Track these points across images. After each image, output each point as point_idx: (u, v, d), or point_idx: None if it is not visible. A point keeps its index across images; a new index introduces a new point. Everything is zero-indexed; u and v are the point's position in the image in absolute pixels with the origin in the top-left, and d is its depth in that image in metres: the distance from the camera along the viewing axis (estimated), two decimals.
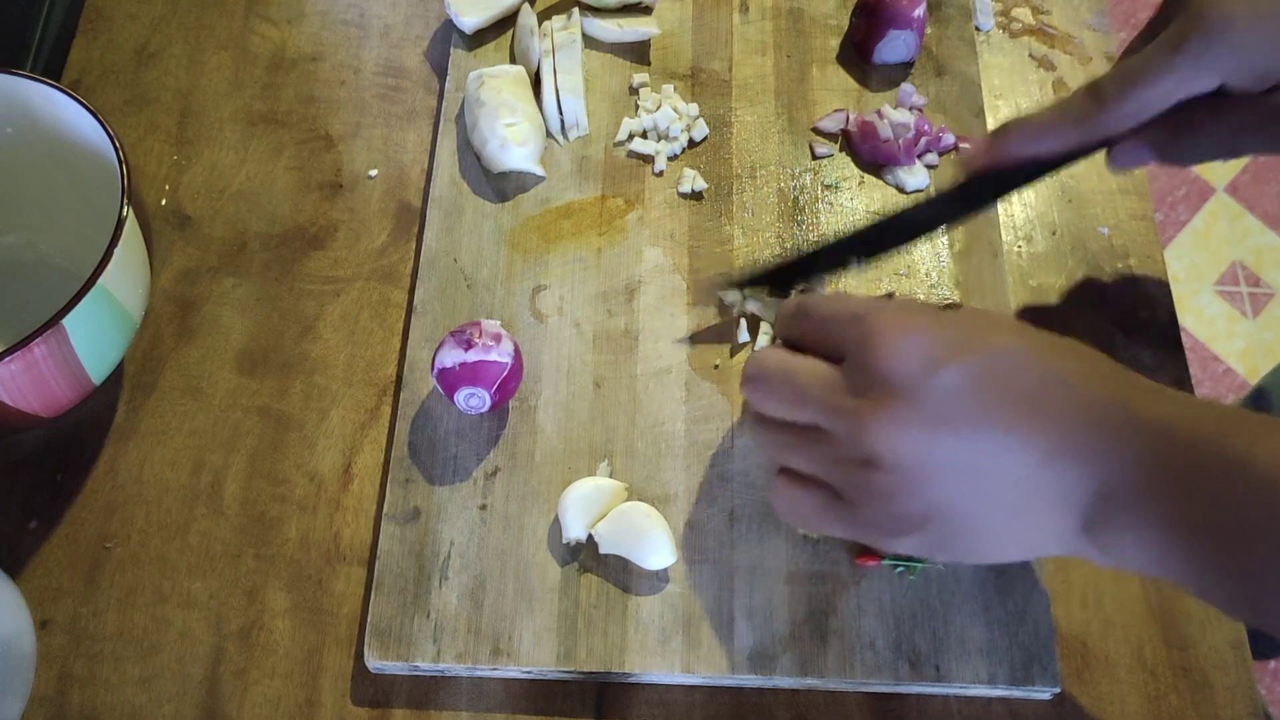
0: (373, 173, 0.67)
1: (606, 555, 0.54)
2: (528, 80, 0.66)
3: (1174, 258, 1.64)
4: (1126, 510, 0.41)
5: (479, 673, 0.53)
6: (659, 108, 0.66)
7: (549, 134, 0.66)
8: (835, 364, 0.45)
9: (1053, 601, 0.53)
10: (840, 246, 0.57)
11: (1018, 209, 0.65)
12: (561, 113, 0.66)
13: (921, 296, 0.60)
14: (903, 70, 0.68)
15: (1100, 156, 0.67)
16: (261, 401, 0.60)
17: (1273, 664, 1.38)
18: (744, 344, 0.59)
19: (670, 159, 0.65)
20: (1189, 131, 0.52)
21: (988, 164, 0.55)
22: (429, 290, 0.61)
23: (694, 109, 0.66)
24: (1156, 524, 0.40)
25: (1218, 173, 1.71)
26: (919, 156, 0.64)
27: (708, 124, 0.66)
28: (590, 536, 0.54)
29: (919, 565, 0.53)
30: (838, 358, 0.45)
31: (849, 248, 0.57)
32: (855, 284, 0.61)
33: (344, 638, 0.54)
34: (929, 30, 0.69)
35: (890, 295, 0.60)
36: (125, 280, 0.52)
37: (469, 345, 0.54)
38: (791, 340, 0.49)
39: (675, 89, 0.67)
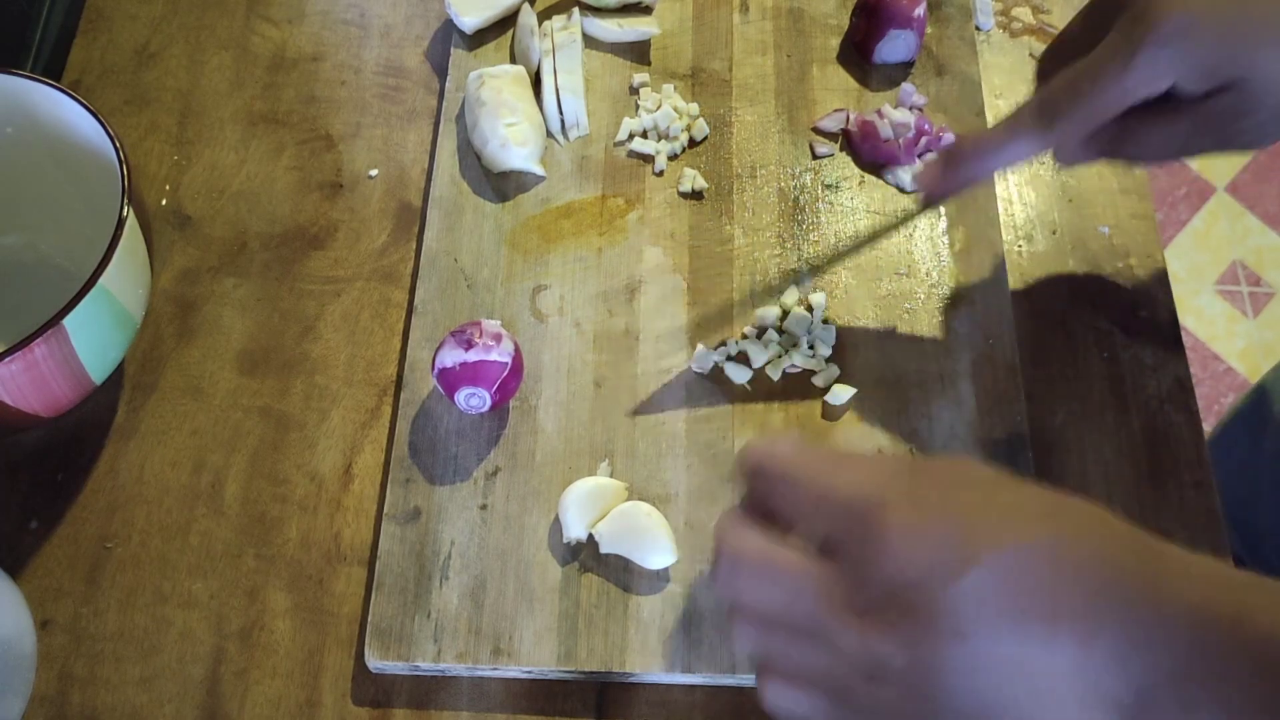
0: (373, 173, 0.67)
1: (607, 555, 0.54)
2: (528, 80, 0.66)
3: (1174, 257, 1.64)
4: (1176, 706, 0.36)
5: (479, 673, 0.53)
6: (659, 107, 0.66)
7: (549, 134, 0.66)
8: (826, 557, 0.39)
9: None
10: None
11: (1018, 209, 0.65)
12: (562, 112, 0.66)
13: (922, 296, 0.60)
14: (903, 70, 0.68)
15: None
16: (262, 401, 0.60)
17: None
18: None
19: (670, 159, 0.65)
20: (1135, 133, 0.50)
21: (945, 191, 0.54)
22: (429, 290, 0.61)
23: (694, 109, 0.66)
24: (1212, 717, 0.36)
25: (1218, 172, 1.71)
26: (919, 156, 0.64)
27: (708, 124, 0.66)
28: (591, 536, 0.54)
29: None
30: (827, 549, 0.39)
31: None
32: (854, 281, 0.61)
33: (344, 638, 0.54)
34: (929, 30, 0.69)
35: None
36: (126, 280, 0.52)
37: (469, 345, 0.54)
38: (760, 503, 0.42)
39: (675, 89, 0.67)
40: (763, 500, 0.42)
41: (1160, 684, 0.37)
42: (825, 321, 0.60)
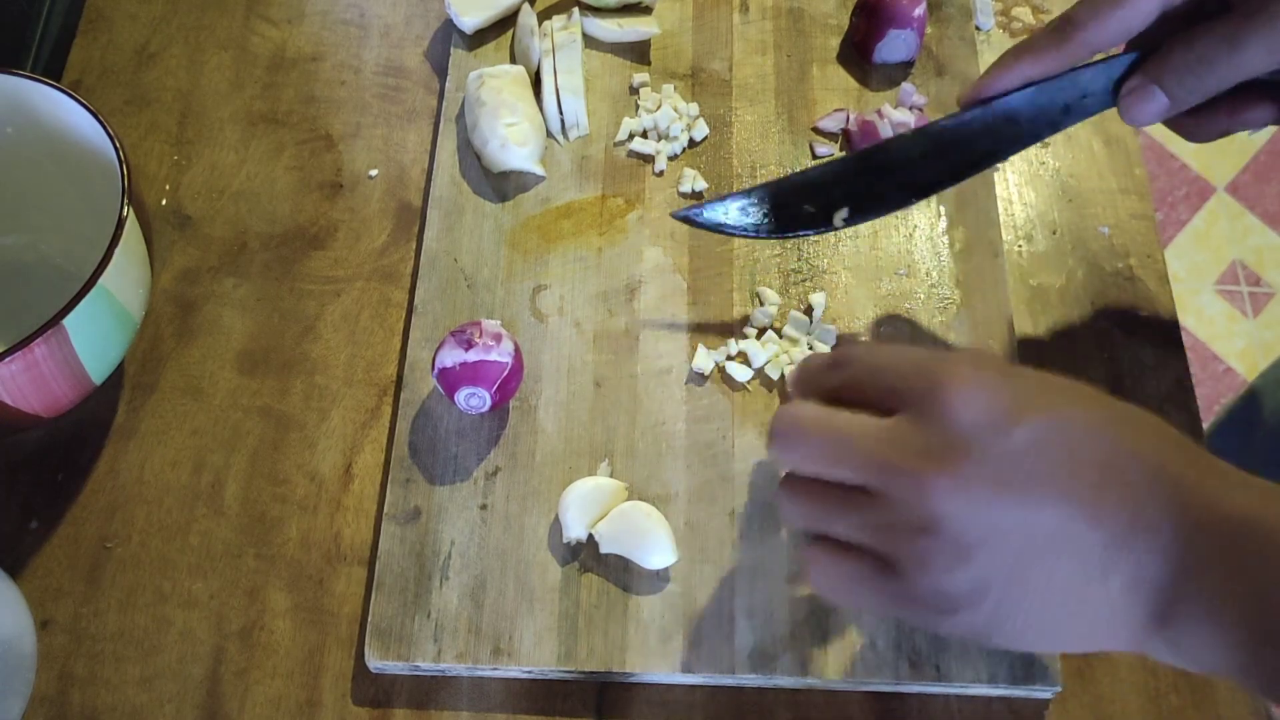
0: (373, 173, 0.67)
1: (607, 555, 0.54)
2: (528, 80, 0.66)
3: (1174, 257, 1.64)
4: (1204, 602, 0.37)
5: (480, 672, 0.53)
6: (659, 107, 0.66)
7: (549, 134, 0.66)
8: (885, 416, 0.41)
9: None
10: (810, 187, 0.55)
11: (1018, 208, 0.65)
12: (561, 112, 0.66)
13: (922, 296, 0.60)
14: (903, 70, 0.68)
15: (1100, 157, 0.67)
16: (262, 401, 0.60)
17: None
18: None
19: (670, 159, 0.65)
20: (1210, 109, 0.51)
21: (979, 94, 0.53)
22: (429, 290, 0.61)
23: (694, 109, 0.66)
24: (1237, 620, 0.37)
25: (1218, 172, 1.71)
26: None
27: (708, 124, 0.66)
28: (591, 536, 0.54)
29: None
30: (888, 409, 0.41)
31: (823, 192, 0.55)
32: (854, 281, 0.61)
33: (345, 638, 0.54)
34: (929, 30, 0.69)
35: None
36: (126, 280, 0.52)
37: (469, 345, 0.54)
38: (819, 394, 0.44)
39: (675, 89, 0.67)
40: (823, 397, 0.44)
41: (1198, 574, 0.37)
42: (827, 323, 0.60)
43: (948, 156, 0.55)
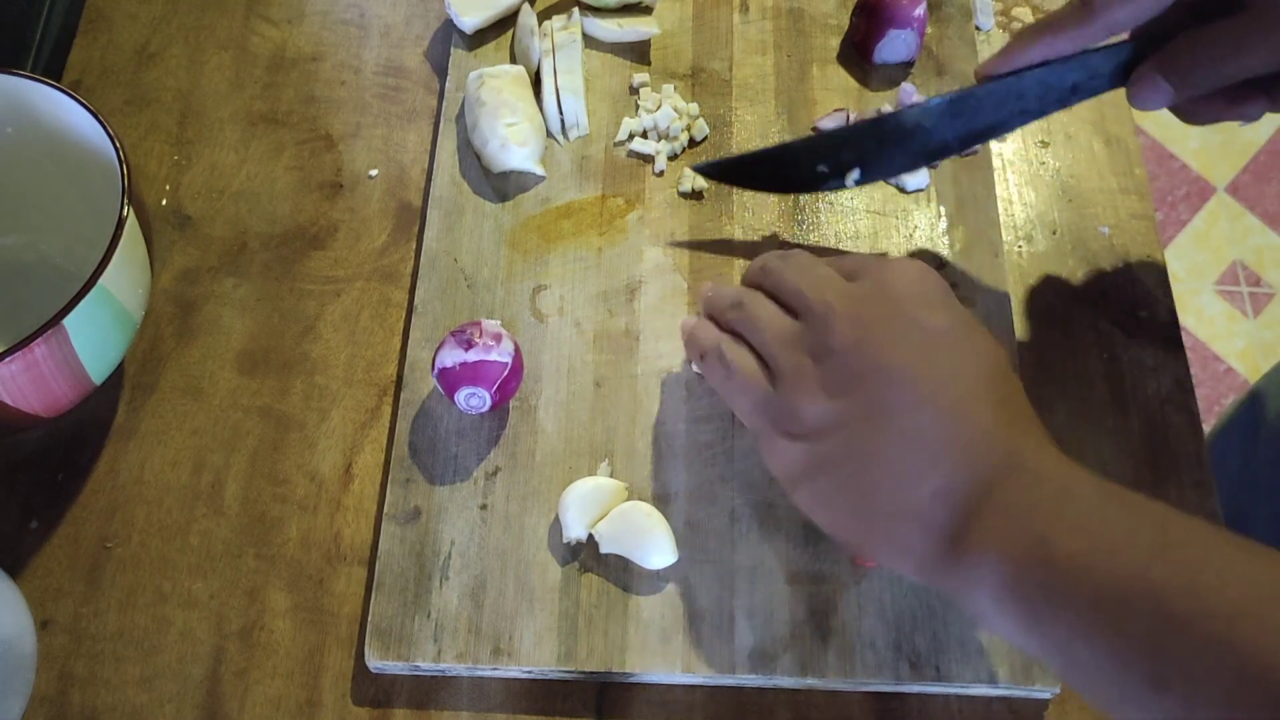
0: (373, 173, 0.67)
1: (607, 555, 0.54)
2: (528, 80, 0.66)
3: (1174, 257, 1.64)
4: (989, 534, 0.42)
5: (480, 673, 0.53)
6: (659, 107, 0.66)
7: (549, 134, 0.66)
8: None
9: None
10: (825, 148, 0.59)
11: (1018, 208, 0.65)
12: (562, 112, 0.66)
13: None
14: (903, 70, 0.68)
15: (1100, 157, 0.67)
16: (262, 401, 0.60)
17: None
18: None
19: (670, 159, 0.65)
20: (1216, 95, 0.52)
21: (999, 67, 0.55)
22: (429, 290, 0.61)
23: (694, 109, 0.66)
24: (1006, 558, 0.41)
25: (1218, 172, 1.71)
26: None
27: (708, 124, 0.66)
28: (591, 536, 0.54)
29: None
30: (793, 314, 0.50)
31: (836, 153, 0.59)
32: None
33: (345, 638, 0.54)
34: (929, 30, 0.69)
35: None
36: (126, 280, 0.52)
37: (469, 345, 0.54)
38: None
39: (675, 89, 0.67)
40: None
41: (989, 510, 0.42)
42: None
43: (955, 126, 0.57)
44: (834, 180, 0.60)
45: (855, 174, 0.59)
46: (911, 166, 0.60)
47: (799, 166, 0.60)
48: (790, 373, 0.47)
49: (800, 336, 0.48)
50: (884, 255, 0.51)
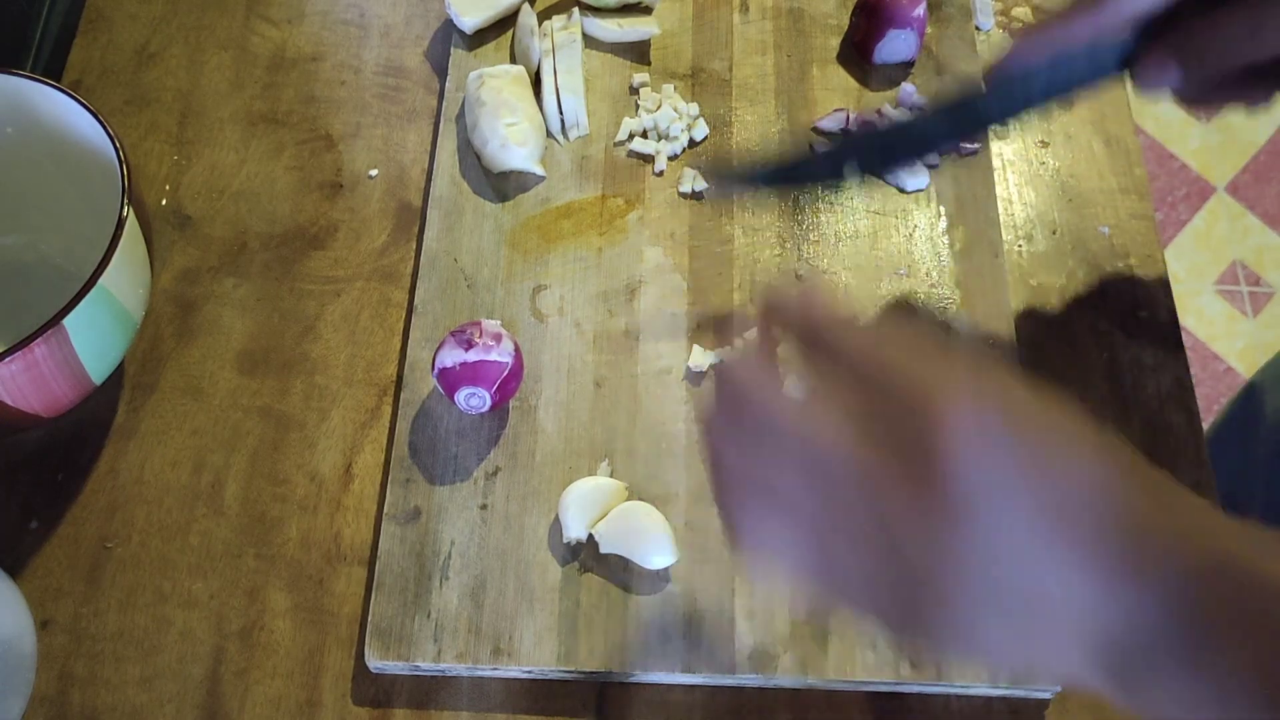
0: (373, 173, 0.67)
1: (607, 555, 0.54)
2: (528, 80, 0.66)
3: (1174, 257, 1.64)
4: (1191, 653, 0.35)
5: (480, 673, 0.53)
6: (659, 107, 0.66)
7: (549, 134, 0.66)
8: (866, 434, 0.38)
9: None
10: (841, 153, 0.57)
11: (1018, 208, 0.65)
12: (562, 112, 0.66)
13: (922, 296, 0.60)
14: (903, 70, 0.68)
15: (1100, 157, 0.67)
16: (262, 401, 0.60)
17: None
18: None
19: (670, 159, 0.65)
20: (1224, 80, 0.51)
21: (1011, 61, 0.52)
22: (429, 290, 0.61)
23: (694, 109, 0.66)
24: (1210, 671, 0.34)
25: (1218, 172, 1.71)
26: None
27: (708, 124, 0.66)
28: (591, 536, 0.54)
29: None
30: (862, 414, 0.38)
31: (850, 154, 0.56)
32: (854, 281, 0.61)
33: (345, 638, 0.54)
34: (929, 30, 0.69)
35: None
36: (126, 280, 0.52)
37: (469, 345, 0.54)
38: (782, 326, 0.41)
39: (675, 89, 0.67)
40: (777, 342, 0.41)
41: (1187, 623, 0.35)
42: None
43: (958, 116, 0.55)
44: (833, 179, 0.57)
45: (854, 165, 0.55)
46: (911, 161, 0.60)
47: (799, 169, 0.57)
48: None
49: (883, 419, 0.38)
50: (913, 392, 0.39)
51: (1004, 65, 0.53)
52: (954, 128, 0.56)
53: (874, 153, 0.57)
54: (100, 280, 0.50)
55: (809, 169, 0.57)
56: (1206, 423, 0.66)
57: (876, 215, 0.63)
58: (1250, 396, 0.81)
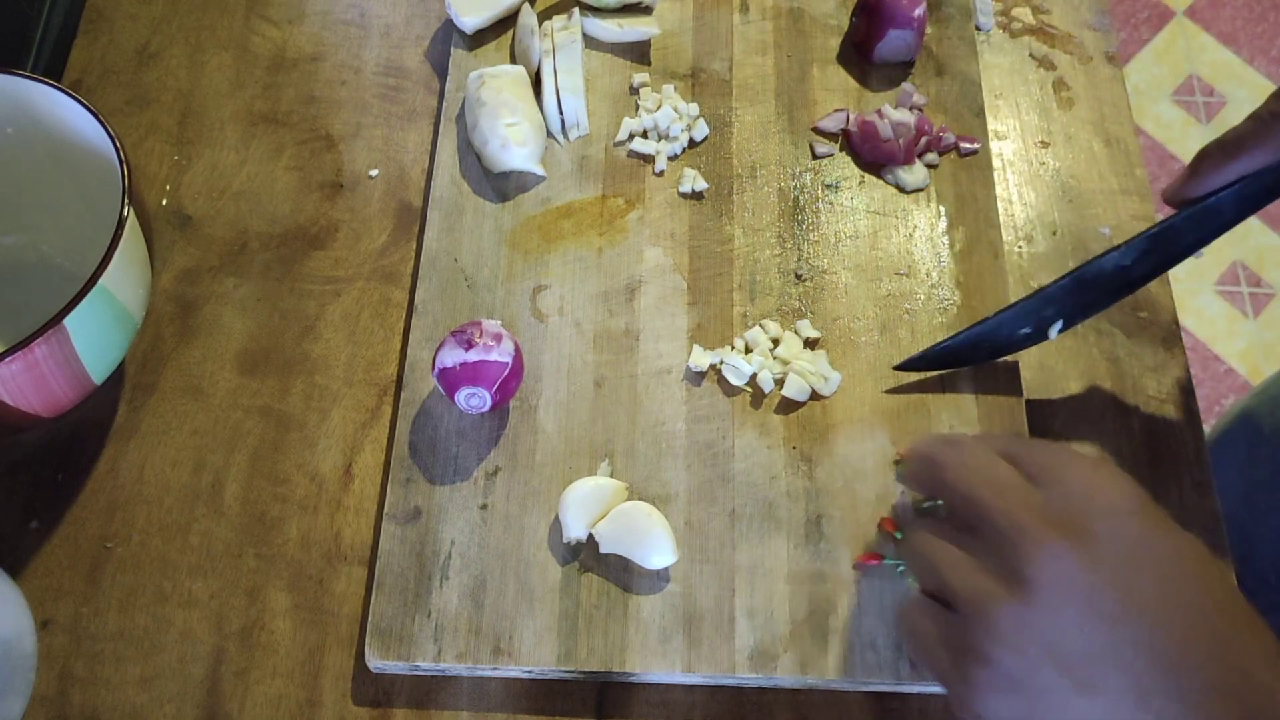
0: (373, 173, 0.67)
1: (607, 555, 0.54)
2: (528, 80, 0.66)
3: None
4: None
5: (480, 672, 0.53)
6: (659, 108, 0.66)
7: (549, 134, 0.66)
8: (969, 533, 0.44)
9: None
10: (1030, 311, 0.57)
11: (1018, 209, 0.65)
12: (562, 113, 0.66)
13: (922, 297, 0.60)
14: (903, 70, 0.68)
15: (1101, 157, 0.67)
16: (262, 401, 0.60)
17: None
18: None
19: (671, 159, 0.65)
20: None
21: (1192, 191, 0.53)
22: (429, 290, 0.61)
23: (694, 109, 0.66)
24: None
25: None
26: (919, 156, 0.65)
27: (708, 124, 0.66)
28: (591, 536, 0.54)
29: None
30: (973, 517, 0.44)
31: (1040, 312, 0.56)
32: (854, 281, 0.61)
33: (345, 637, 0.54)
34: (929, 30, 0.69)
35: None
36: (126, 280, 0.52)
37: (469, 345, 0.54)
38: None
39: (675, 89, 0.67)
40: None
41: None
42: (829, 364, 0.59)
43: (1154, 256, 0.56)
44: (1036, 337, 0.57)
45: (1058, 325, 0.57)
46: (1112, 303, 0.58)
47: (1003, 336, 0.58)
48: (972, 604, 0.42)
49: (978, 558, 0.43)
50: (1064, 448, 0.44)
51: (1188, 191, 0.53)
52: (1155, 265, 0.56)
53: (1076, 306, 0.57)
54: (100, 280, 0.50)
55: (1008, 324, 0.57)
56: (1206, 424, 0.66)
57: (876, 215, 0.63)
58: (1245, 425, 0.81)
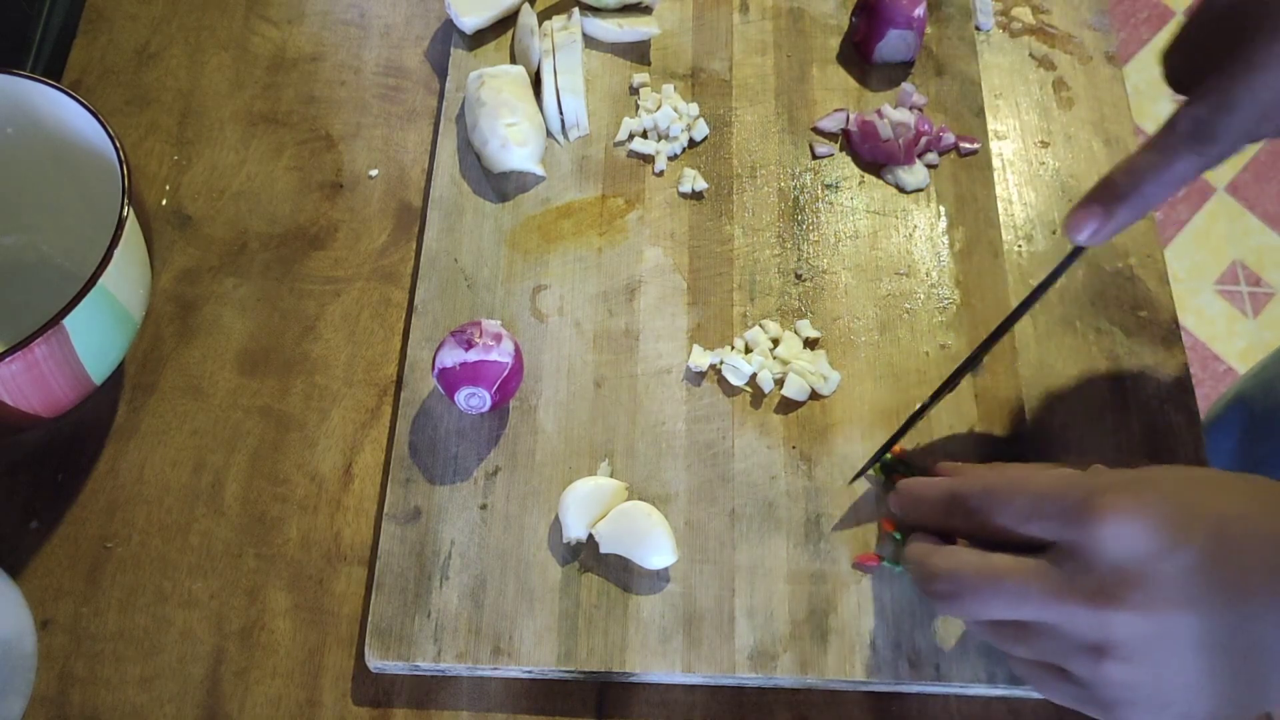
0: (373, 173, 0.67)
1: (607, 555, 0.54)
2: (528, 80, 0.66)
3: (1174, 257, 1.64)
4: None
5: (480, 672, 0.53)
6: (659, 107, 0.66)
7: (549, 134, 0.66)
8: (1033, 552, 0.44)
9: None
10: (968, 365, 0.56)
11: (1018, 208, 0.65)
12: (562, 113, 0.66)
13: (922, 296, 0.60)
14: (903, 70, 0.68)
15: (1100, 157, 0.67)
16: (262, 401, 0.60)
17: None
18: None
19: (670, 159, 0.65)
20: None
21: (1110, 232, 0.49)
22: (429, 290, 0.61)
23: (694, 109, 0.66)
24: None
25: (1218, 173, 1.71)
26: (919, 156, 0.65)
27: (708, 124, 0.66)
28: (591, 536, 0.54)
29: None
30: (1035, 546, 0.44)
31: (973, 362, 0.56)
32: (854, 281, 0.61)
33: (345, 637, 0.54)
34: (929, 30, 0.69)
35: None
36: (126, 280, 0.52)
37: (469, 345, 0.54)
38: (936, 527, 0.49)
39: (675, 89, 0.67)
40: (935, 524, 0.49)
41: None
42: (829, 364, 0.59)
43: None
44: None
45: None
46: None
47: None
48: (1086, 677, 0.43)
49: (1065, 642, 0.43)
50: (1065, 501, 0.44)
51: (1098, 240, 0.50)
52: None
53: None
54: (100, 280, 0.50)
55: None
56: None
57: (876, 215, 0.63)
58: (1238, 409, 0.81)
